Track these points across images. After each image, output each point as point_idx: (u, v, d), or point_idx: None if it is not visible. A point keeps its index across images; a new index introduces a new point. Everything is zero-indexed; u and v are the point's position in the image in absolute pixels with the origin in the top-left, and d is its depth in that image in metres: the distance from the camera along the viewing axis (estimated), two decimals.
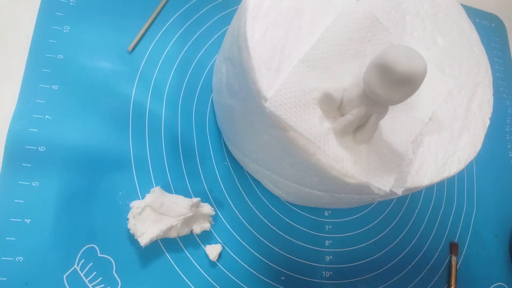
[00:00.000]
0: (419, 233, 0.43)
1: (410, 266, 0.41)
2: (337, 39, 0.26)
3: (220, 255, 0.35)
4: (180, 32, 0.41)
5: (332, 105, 0.25)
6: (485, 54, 0.34)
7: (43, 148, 0.33)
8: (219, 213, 0.37)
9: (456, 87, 0.31)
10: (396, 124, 0.27)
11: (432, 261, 0.42)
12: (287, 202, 0.39)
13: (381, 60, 0.20)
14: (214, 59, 0.41)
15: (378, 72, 0.20)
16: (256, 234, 0.37)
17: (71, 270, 0.31)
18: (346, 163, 0.25)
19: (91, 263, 0.32)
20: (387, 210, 0.43)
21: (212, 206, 0.36)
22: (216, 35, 0.42)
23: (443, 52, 0.31)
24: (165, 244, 0.34)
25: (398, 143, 0.27)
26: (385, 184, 0.25)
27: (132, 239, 0.33)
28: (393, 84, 0.20)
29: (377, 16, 0.28)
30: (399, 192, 0.26)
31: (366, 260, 0.40)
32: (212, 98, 0.40)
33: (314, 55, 0.26)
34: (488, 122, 0.31)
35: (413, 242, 0.42)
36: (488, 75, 0.33)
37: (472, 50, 0.33)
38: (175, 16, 0.42)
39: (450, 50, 0.32)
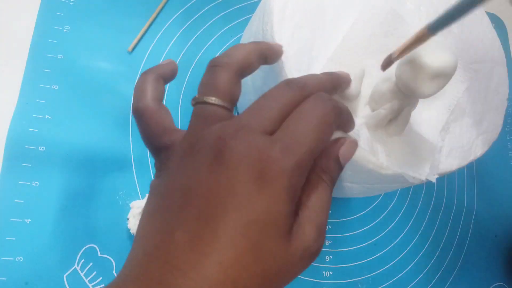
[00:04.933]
0: (419, 233, 0.43)
1: (410, 266, 0.41)
2: (361, 36, 0.27)
3: None
4: (180, 32, 0.41)
5: (355, 95, 0.25)
6: (497, 37, 0.34)
7: (43, 148, 0.33)
8: None
9: (475, 72, 0.32)
10: (424, 114, 0.28)
11: (432, 261, 0.42)
12: None
13: (415, 57, 0.21)
14: None
15: (411, 67, 0.21)
16: None
17: (71, 270, 0.31)
18: (381, 156, 0.26)
19: (91, 263, 0.32)
20: (387, 210, 0.43)
21: None
22: (216, 35, 0.42)
23: (458, 39, 0.32)
24: None
25: (428, 132, 0.28)
26: (420, 173, 0.26)
27: (132, 239, 0.33)
28: (427, 78, 0.21)
29: (395, 9, 0.29)
30: (434, 179, 0.27)
31: (366, 260, 0.40)
32: None
33: (341, 52, 0.26)
34: (506, 103, 0.32)
35: (413, 242, 0.42)
36: (501, 56, 0.34)
37: (485, 34, 0.34)
38: (175, 16, 0.42)
39: (464, 36, 0.32)
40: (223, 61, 0.19)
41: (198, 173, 0.16)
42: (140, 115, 0.20)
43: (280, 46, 0.24)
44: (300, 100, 0.17)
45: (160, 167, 0.19)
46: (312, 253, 0.17)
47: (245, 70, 0.20)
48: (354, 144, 0.19)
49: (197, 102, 0.18)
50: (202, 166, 0.16)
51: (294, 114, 0.17)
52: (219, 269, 0.14)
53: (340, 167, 0.19)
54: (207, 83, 0.19)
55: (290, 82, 0.18)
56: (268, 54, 0.22)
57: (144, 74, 0.21)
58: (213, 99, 0.18)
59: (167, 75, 0.22)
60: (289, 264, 0.16)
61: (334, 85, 0.21)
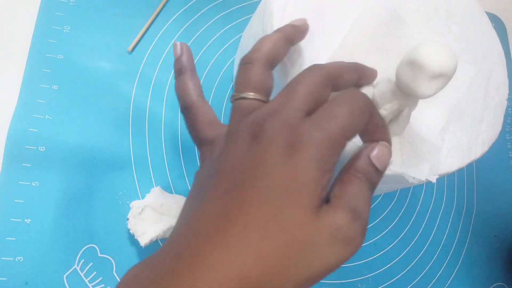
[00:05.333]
0: (419, 233, 0.43)
1: (410, 266, 0.41)
2: (361, 36, 0.27)
3: None
4: (180, 32, 0.41)
5: None
6: (496, 37, 0.34)
7: (43, 148, 0.33)
8: None
9: (474, 72, 0.32)
10: (424, 114, 0.28)
11: (432, 261, 0.42)
12: None
13: (415, 57, 0.21)
14: (214, 58, 0.41)
15: (411, 68, 0.21)
16: None
17: (71, 270, 0.31)
18: None
19: (91, 263, 0.32)
20: (387, 210, 0.43)
21: None
22: (216, 35, 0.42)
23: (458, 39, 0.32)
24: None
25: (428, 132, 0.28)
26: (420, 173, 0.26)
27: (132, 239, 0.33)
28: (427, 79, 0.21)
29: (395, 9, 0.29)
30: (434, 180, 0.27)
31: (366, 260, 0.40)
32: (211, 98, 0.40)
33: (341, 53, 0.26)
34: (506, 103, 0.32)
35: (413, 242, 0.42)
36: (501, 57, 0.34)
37: (485, 34, 0.34)
38: (175, 16, 0.42)
39: (464, 36, 0.32)
40: (252, 57, 0.20)
41: (234, 154, 0.17)
42: (187, 110, 0.22)
43: (305, 21, 0.24)
44: (327, 78, 0.18)
45: (203, 158, 0.20)
46: (346, 238, 0.16)
47: (274, 60, 0.21)
48: (387, 148, 0.19)
49: (235, 99, 0.20)
50: (238, 148, 0.17)
51: (329, 101, 0.18)
52: (242, 235, 0.14)
53: (377, 171, 0.19)
54: (241, 80, 0.20)
55: (314, 66, 0.19)
56: (294, 37, 0.23)
57: (181, 75, 0.23)
58: (248, 94, 0.20)
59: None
60: (316, 241, 0.15)
61: (359, 72, 0.22)
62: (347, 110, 0.17)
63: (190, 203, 0.18)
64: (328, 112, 0.17)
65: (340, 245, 0.15)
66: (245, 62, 0.20)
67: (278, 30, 0.22)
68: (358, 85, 0.23)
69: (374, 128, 0.19)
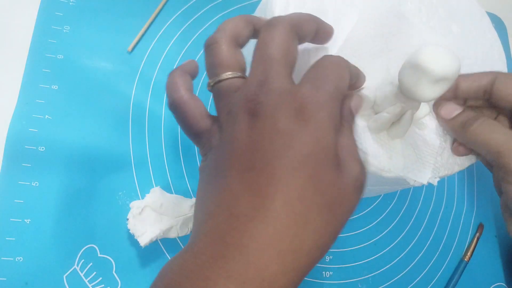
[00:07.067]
0: (419, 233, 0.43)
1: (410, 266, 0.41)
2: (364, 37, 0.27)
3: None
4: (180, 32, 0.41)
5: (367, 105, 0.26)
6: (497, 38, 0.34)
7: (43, 148, 0.33)
8: None
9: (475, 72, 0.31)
10: (426, 117, 0.28)
11: (432, 261, 0.42)
12: None
13: (418, 61, 0.21)
14: None
15: (414, 72, 0.21)
16: None
17: (71, 270, 0.31)
18: (383, 159, 0.26)
19: (91, 263, 0.32)
20: (387, 210, 0.43)
21: None
22: None
23: (458, 39, 0.32)
24: (165, 244, 0.34)
25: (430, 135, 0.28)
26: (422, 176, 0.26)
27: (132, 239, 0.33)
28: (429, 83, 0.21)
29: (397, 10, 0.29)
30: (435, 182, 0.27)
31: (366, 260, 0.40)
32: (211, 99, 0.40)
33: (343, 54, 0.26)
34: None
35: (413, 242, 0.42)
36: (502, 57, 0.34)
37: (485, 35, 0.34)
38: (175, 16, 0.42)
39: (464, 36, 0.32)
40: (215, 37, 0.20)
41: (240, 135, 0.17)
42: (176, 106, 0.21)
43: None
44: (294, 32, 0.19)
45: (204, 151, 0.20)
46: (361, 185, 0.17)
47: (238, 37, 0.20)
48: (360, 97, 0.21)
49: (213, 85, 0.19)
50: (242, 128, 0.17)
51: (313, 66, 0.18)
52: (285, 206, 0.15)
53: (353, 117, 0.20)
54: (211, 64, 0.20)
55: (275, 20, 0.19)
56: (255, 23, 0.23)
57: (172, 72, 0.22)
58: (224, 75, 0.19)
59: (192, 71, 0.23)
60: (345, 194, 0.16)
61: (317, 23, 0.22)
62: (335, 69, 0.18)
63: (206, 191, 0.18)
64: (320, 75, 0.17)
65: (359, 191, 0.17)
66: (209, 44, 0.20)
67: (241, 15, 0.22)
68: (352, 87, 0.23)
69: (356, 76, 0.22)
